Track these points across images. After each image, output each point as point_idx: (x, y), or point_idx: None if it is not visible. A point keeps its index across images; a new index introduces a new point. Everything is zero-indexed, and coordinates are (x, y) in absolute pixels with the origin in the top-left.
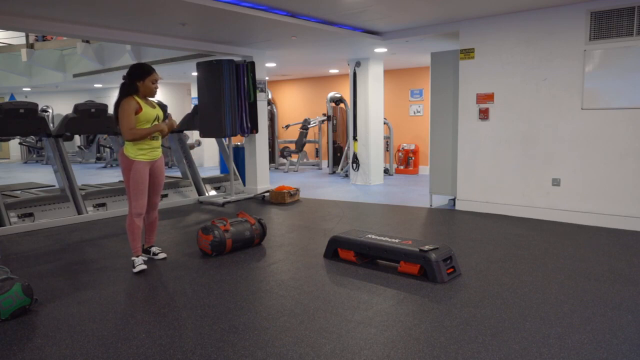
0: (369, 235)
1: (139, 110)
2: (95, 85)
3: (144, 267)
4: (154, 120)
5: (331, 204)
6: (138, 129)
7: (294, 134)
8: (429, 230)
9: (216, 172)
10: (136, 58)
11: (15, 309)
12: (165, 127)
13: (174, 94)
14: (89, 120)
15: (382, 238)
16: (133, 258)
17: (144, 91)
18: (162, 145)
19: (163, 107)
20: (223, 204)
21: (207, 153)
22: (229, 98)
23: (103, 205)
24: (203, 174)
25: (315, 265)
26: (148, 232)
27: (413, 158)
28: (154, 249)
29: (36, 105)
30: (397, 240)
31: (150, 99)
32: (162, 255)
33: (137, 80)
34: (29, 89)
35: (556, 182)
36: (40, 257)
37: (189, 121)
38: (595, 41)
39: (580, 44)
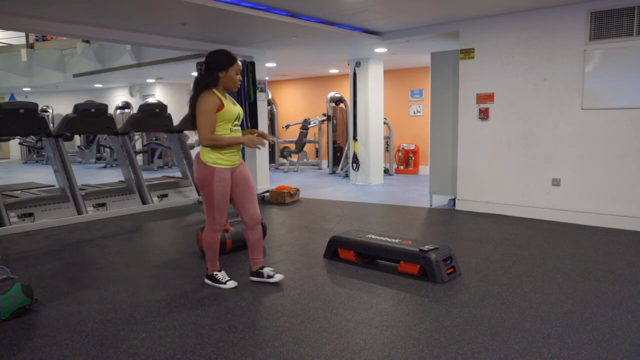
0: (369, 235)
1: (220, 107)
2: (95, 85)
3: (235, 283)
4: (235, 120)
5: (331, 204)
6: (220, 137)
7: (294, 134)
8: (429, 230)
9: None
10: (136, 58)
11: (15, 309)
12: (251, 143)
13: (174, 94)
14: (89, 120)
15: (382, 238)
16: (216, 273)
17: (226, 84)
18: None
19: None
20: None
21: None
22: None
23: (103, 205)
24: None
25: (315, 265)
26: (255, 251)
27: (413, 158)
28: (267, 271)
29: (36, 105)
30: (397, 240)
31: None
32: (278, 277)
33: (220, 71)
34: (29, 89)
35: (556, 182)
36: (40, 257)
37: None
38: (595, 41)
39: (580, 44)
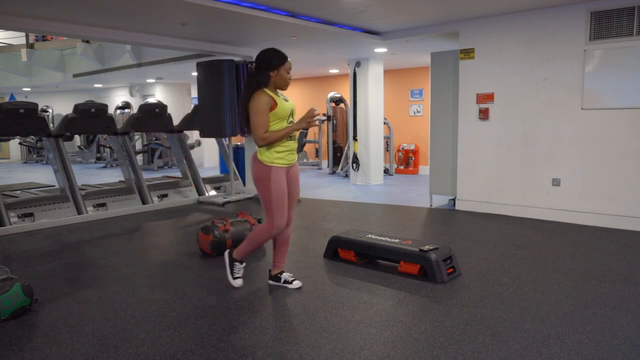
0: (369, 235)
1: (273, 105)
2: (95, 85)
3: (241, 283)
4: (289, 117)
5: (331, 204)
6: (271, 132)
7: None
8: (429, 230)
9: (216, 172)
10: (136, 58)
11: (15, 309)
12: (306, 123)
13: (174, 94)
14: (89, 120)
15: (382, 238)
16: (237, 263)
17: (277, 82)
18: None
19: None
20: (223, 204)
21: (207, 153)
22: (229, 98)
23: (103, 205)
24: (203, 174)
25: (315, 265)
26: (278, 253)
27: (413, 158)
28: (285, 276)
29: (36, 105)
30: (397, 240)
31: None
32: (297, 284)
33: (271, 70)
34: (29, 89)
35: (556, 182)
36: (40, 257)
37: (189, 121)
38: (595, 41)
39: (580, 44)
